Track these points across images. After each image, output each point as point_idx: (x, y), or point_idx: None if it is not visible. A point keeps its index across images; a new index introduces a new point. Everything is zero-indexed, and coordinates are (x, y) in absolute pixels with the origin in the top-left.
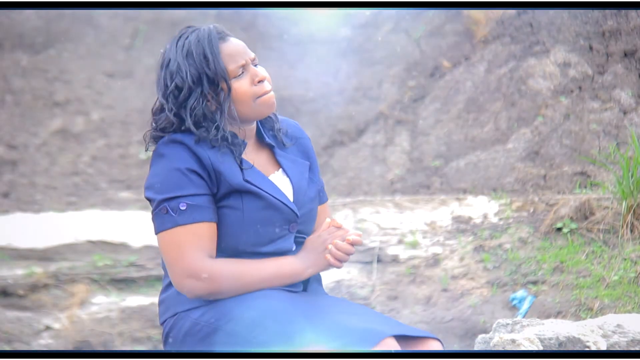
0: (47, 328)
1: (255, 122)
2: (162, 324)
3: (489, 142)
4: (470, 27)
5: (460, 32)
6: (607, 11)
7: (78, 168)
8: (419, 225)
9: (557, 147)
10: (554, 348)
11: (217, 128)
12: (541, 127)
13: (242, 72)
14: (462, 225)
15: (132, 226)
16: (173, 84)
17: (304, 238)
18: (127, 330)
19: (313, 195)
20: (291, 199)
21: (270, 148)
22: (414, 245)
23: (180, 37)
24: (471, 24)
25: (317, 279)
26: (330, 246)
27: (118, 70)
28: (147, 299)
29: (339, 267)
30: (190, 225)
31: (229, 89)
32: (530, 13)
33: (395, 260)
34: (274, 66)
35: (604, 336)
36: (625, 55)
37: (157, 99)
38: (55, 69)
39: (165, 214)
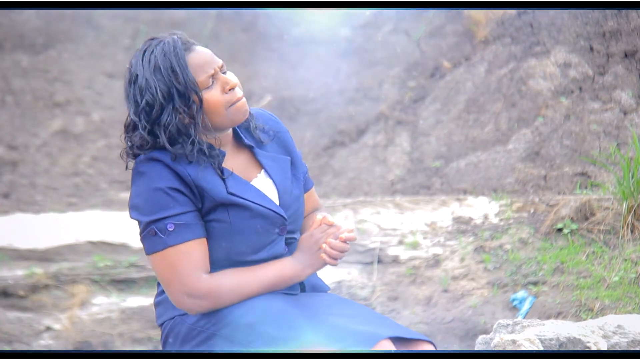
0: (48, 329)
1: (230, 129)
2: (160, 325)
3: (490, 142)
4: (470, 28)
5: (460, 32)
6: (608, 11)
7: (78, 169)
8: (419, 225)
9: (558, 148)
10: (555, 348)
11: (193, 143)
12: (541, 128)
13: (212, 82)
14: (462, 226)
15: (132, 227)
16: (144, 100)
17: (295, 239)
18: (127, 331)
19: (298, 193)
20: (277, 202)
21: (250, 149)
22: (415, 245)
23: (145, 51)
24: (471, 25)
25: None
26: (324, 245)
27: (118, 71)
28: (147, 300)
29: (335, 265)
30: (180, 245)
31: (201, 100)
32: (530, 13)
33: (395, 260)
34: (274, 66)
35: (605, 337)
36: (626, 55)
37: (128, 115)
38: (55, 69)
39: (153, 235)
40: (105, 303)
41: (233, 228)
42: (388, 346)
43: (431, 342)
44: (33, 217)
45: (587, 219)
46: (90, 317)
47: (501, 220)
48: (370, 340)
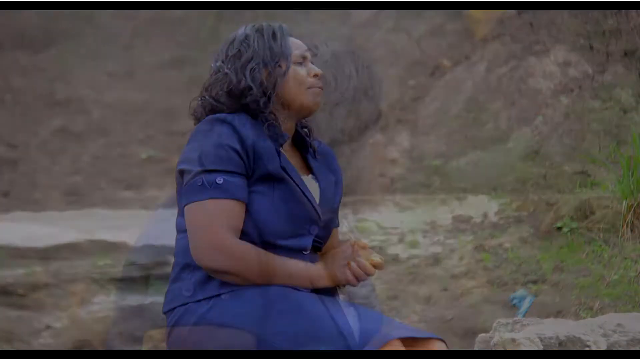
0: (48, 327)
1: (294, 124)
2: (166, 312)
3: (489, 141)
4: (470, 27)
5: (460, 31)
6: (607, 10)
7: (78, 167)
8: (419, 224)
9: (558, 147)
10: (554, 347)
11: (270, 98)
12: (541, 127)
13: (302, 63)
14: (462, 225)
15: (132, 226)
16: (236, 49)
17: (321, 243)
18: (127, 330)
19: (336, 207)
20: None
21: (304, 153)
22: (414, 244)
23: (249, 24)
24: (471, 24)
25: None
26: (352, 263)
27: (118, 70)
28: (147, 299)
29: (354, 285)
30: (223, 200)
31: (288, 68)
32: (530, 12)
33: (395, 259)
34: None
35: (604, 335)
36: (626, 54)
37: (209, 78)
38: (55, 68)
39: (200, 185)
40: (105, 302)
41: (274, 205)
42: (398, 347)
43: (442, 340)
44: (33, 216)
45: (586, 217)
46: (90, 316)
47: (501, 218)
48: (380, 339)
